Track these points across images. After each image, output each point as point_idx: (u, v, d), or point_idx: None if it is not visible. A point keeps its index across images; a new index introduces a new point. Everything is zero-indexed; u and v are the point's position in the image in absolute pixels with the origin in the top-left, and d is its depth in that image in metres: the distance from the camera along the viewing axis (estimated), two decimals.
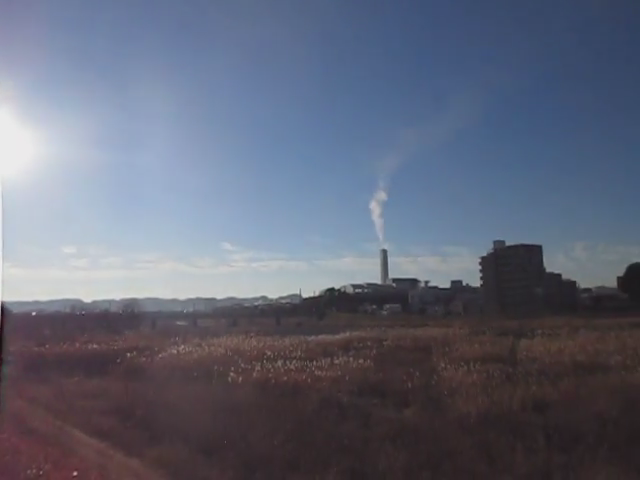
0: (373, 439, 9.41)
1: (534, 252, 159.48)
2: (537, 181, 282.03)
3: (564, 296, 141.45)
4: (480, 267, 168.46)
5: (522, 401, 11.70)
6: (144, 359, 22.51)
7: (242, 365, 18.62)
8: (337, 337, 33.72)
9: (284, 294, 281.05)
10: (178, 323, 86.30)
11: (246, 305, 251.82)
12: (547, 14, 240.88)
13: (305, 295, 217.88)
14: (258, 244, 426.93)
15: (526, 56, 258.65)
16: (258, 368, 17.76)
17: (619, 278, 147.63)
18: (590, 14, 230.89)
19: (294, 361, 19.53)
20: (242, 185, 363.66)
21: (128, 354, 23.65)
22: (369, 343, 28.02)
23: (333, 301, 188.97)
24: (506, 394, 12.21)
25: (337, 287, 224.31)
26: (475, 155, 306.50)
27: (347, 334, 36.08)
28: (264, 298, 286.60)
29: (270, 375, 16.36)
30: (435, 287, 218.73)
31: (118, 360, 22.15)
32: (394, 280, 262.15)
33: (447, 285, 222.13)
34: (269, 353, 22.71)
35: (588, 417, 10.06)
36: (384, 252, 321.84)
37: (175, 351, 24.35)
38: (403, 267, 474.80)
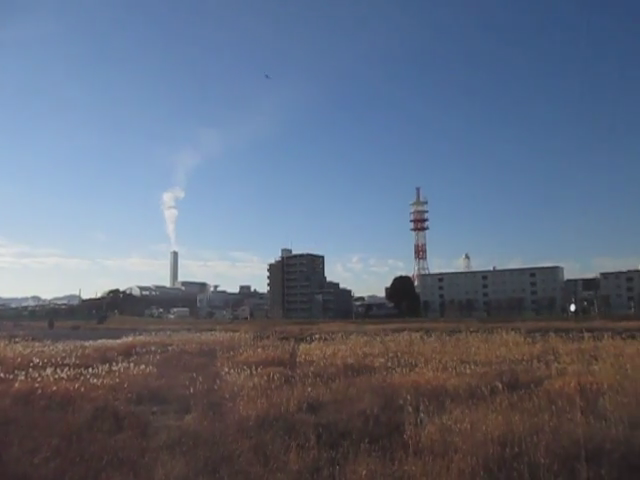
0: (150, 449, 9.08)
1: (317, 262, 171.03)
2: (322, 194, 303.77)
3: (340, 303, 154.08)
4: (268, 273, 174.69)
5: (298, 402, 12.38)
6: None
7: (1, 375, 16.44)
8: (118, 342, 31.84)
9: (60, 294, 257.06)
10: None
11: (13, 306, 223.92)
12: (357, 30, 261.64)
13: (85, 296, 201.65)
14: (30, 238, 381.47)
15: (332, 69, 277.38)
16: (22, 378, 15.83)
17: (387, 288, 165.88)
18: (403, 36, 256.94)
19: (67, 369, 17.86)
20: (13, 170, 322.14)
21: None
22: (153, 348, 26.98)
23: (117, 303, 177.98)
24: (284, 396, 12.80)
25: (122, 288, 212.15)
26: (270, 162, 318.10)
27: (130, 339, 34.29)
28: (36, 298, 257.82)
29: (36, 385, 14.69)
30: (224, 292, 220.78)
31: None
32: (183, 283, 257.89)
33: (236, 290, 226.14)
34: (37, 360, 20.40)
35: (354, 415, 11.06)
36: (174, 254, 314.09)
37: None
38: (193, 270, 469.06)
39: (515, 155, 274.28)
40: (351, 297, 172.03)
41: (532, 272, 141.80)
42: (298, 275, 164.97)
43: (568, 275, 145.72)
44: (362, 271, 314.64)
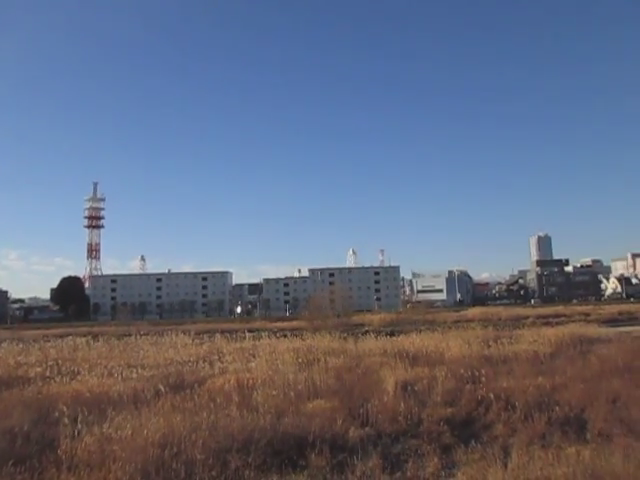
0: None
1: None
2: None
3: None
4: None
5: None
6: None
7: None
8: None
9: None
10: None
11: None
12: None
13: None
14: None
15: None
16: None
17: (52, 290, 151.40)
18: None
19: None
20: None
21: None
22: None
23: None
24: None
25: None
26: None
27: None
28: None
29: None
30: None
31: None
32: None
33: None
34: None
35: None
36: None
37: None
38: None
39: (189, 165, 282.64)
40: (7, 299, 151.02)
41: (204, 276, 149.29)
42: None
43: (237, 280, 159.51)
44: (22, 269, 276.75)
